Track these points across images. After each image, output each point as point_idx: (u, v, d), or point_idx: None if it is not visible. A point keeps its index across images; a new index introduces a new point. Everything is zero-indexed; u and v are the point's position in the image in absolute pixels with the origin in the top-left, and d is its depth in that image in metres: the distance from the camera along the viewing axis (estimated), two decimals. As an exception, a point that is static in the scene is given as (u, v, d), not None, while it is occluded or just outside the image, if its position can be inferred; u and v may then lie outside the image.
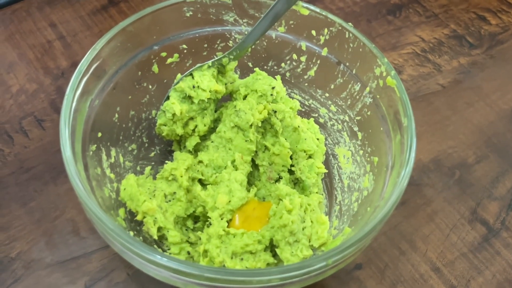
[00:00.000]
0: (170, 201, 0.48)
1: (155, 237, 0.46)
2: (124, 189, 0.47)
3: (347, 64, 0.51)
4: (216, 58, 0.50)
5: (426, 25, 0.74)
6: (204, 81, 0.50)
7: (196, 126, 0.52)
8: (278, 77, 0.53)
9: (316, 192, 0.52)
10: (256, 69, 0.53)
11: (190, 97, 0.50)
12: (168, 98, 0.51)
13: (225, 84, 0.52)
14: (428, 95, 0.66)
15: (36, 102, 0.62)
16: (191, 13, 0.51)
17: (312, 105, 0.56)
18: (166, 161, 0.52)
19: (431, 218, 0.55)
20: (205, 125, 0.52)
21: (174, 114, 0.50)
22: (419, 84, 0.67)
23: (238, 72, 0.56)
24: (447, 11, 0.76)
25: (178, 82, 0.50)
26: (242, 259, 0.44)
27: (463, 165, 0.60)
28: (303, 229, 0.45)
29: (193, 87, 0.50)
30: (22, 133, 0.59)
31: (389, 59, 0.47)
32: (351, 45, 0.49)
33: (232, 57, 0.50)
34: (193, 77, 0.50)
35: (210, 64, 0.50)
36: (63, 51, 0.67)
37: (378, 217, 0.39)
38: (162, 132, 0.52)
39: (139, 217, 0.46)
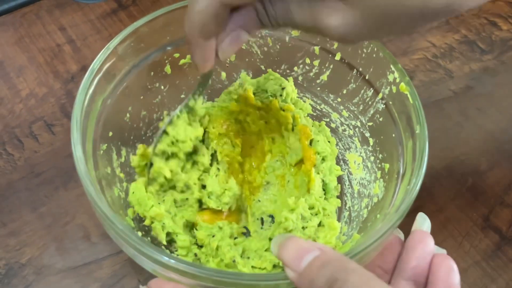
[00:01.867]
0: (181, 206, 0.48)
1: (164, 242, 0.46)
2: (133, 192, 0.46)
3: (360, 69, 0.50)
4: (182, 105, 0.46)
5: (437, 30, 0.74)
6: (180, 132, 0.46)
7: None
8: (290, 78, 0.53)
9: (336, 197, 0.51)
10: (269, 70, 0.52)
11: (173, 154, 0.47)
12: (151, 165, 0.46)
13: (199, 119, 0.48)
14: (439, 101, 0.66)
15: (46, 107, 0.62)
16: (204, 15, 0.51)
17: (324, 110, 0.56)
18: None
19: (444, 225, 0.55)
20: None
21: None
22: (430, 90, 0.67)
23: (250, 74, 0.56)
24: (457, 17, 0.76)
25: (156, 145, 0.46)
26: (248, 257, 0.44)
27: (475, 172, 0.59)
28: (303, 228, 0.45)
29: (172, 143, 0.46)
30: (32, 138, 0.59)
31: (400, 65, 0.46)
32: (365, 50, 0.49)
33: (196, 96, 0.46)
34: (168, 134, 0.46)
35: (179, 114, 0.46)
36: (73, 55, 0.67)
37: (388, 225, 0.39)
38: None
39: (147, 222, 0.45)
